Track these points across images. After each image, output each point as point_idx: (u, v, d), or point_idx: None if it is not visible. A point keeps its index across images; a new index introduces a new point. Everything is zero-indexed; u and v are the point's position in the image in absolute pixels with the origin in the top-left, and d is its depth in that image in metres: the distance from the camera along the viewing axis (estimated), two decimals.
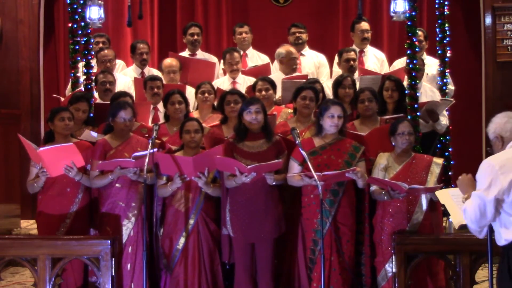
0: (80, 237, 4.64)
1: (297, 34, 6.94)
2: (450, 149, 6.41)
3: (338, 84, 5.74)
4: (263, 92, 5.57)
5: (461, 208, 3.33)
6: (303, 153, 4.31)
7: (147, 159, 4.37)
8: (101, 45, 6.79)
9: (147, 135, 5.01)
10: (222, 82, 6.51)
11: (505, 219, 3.17)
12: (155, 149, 4.50)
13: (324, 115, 4.60)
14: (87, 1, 5.90)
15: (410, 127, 4.59)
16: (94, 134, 5.17)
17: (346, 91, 5.68)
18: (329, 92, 6.04)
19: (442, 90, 6.45)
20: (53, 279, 4.42)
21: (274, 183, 4.51)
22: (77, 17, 5.83)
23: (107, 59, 6.48)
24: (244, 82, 6.46)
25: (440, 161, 4.67)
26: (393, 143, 4.63)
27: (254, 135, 4.67)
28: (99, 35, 6.99)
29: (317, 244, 4.49)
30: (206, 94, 5.70)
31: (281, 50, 6.54)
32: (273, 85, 5.68)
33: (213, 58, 7.12)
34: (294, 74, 6.39)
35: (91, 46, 5.98)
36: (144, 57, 6.74)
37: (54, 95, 6.87)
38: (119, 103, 5.02)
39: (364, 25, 6.85)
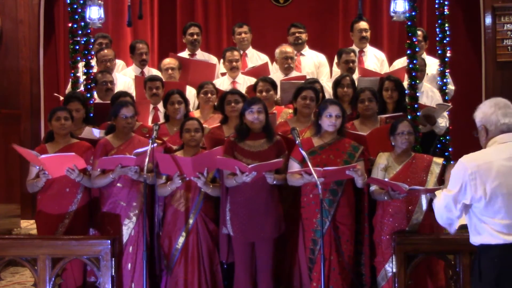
0: (80, 237, 4.64)
1: (297, 34, 6.94)
2: (450, 149, 6.41)
3: (337, 83, 5.75)
4: (264, 93, 5.57)
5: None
6: (303, 153, 4.31)
7: (147, 158, 4.38)
8: (104, 46, 6.79)
9: (147, 135, 5.01)
10: (222, 82, 6.51)
11: (475, 222, 3.13)
12: (155, 144, 4.49)
13: (322, 115, 4.61)
14: (87, 1, 5.90)
15: (409, 127, 4.59)
16: (95, 132, 5.17)
17: (344, 90, 5.68)
18: (329, 91, 6.04)
19: (442, 90, 6.45)
20: (53, 279, 4.42)
21: (274, 182, 4.51)
22: (77, 17, 5.82)
23: (107, 59, 6.48)
24: (244, 82, 6.46)
25: (440, 160, 4.67)
26: (392, 143, 4.63)
27: (255, 134, 4.68)
28: (103, 36, 6.99)
29: (317, 243, 4.49)
30: (209, 95, 5.70)
31: (277, 49, 6.57)
32: (274, 85, 5.68)
33: (212, 58, 7.12)
34: (292, 75, 6.40)
35: (91, 46, 5.98)
36: (144, 57, 6.74)
37: (55, 94, 6.87)
38: (120, 101, 5.04)
39: (363, 24, 6.85)
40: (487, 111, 3.21)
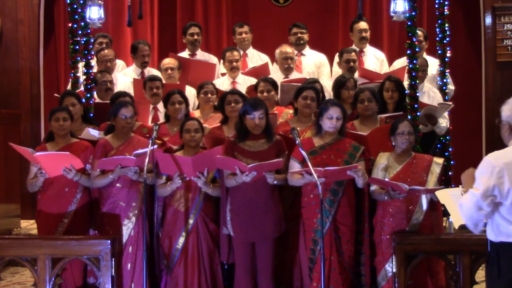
0: (80, 237, 4.64)
1: (299, 35, 6.92)
2: (450, 149, 6.41)
3: (341, 85, 5.70)
4: (265, 94, 5.56)
5: (458, 203, 3.28)
6: (303, 153, 4.31)
7: (147, 159, 4.38)
8: (104, 45, 6.79)
9: (147, 135, 5.01)
10: (222, 82, 6.51)
11: (499, 221, 3.13)
12: (155, 146, 4.49)
13: (323, 116, 4.61)
14: (87, 1, 5.90)
15: (410, 127, 4.59)
16: (94, 132, 5.17)
17: (349, 92, 5.64)
18: (329, 91, 6.03)
19: (442, 90, 6.45)
20: (53, 279, 4.42)
21: (274, 182, 4.51)
22: (77, 17, 5.83)
23: (108, 59, 6.48)
24: (244, 82, 6.46)
25: (440, 160, 4.67)
26: (393, 143, 4.63)
27: (255, 135, 4.67)
28: (103, 35, 6.99)
29: (317, 243, 4.49)
30: (209, 95, 5.70)
31: (277, 50, 6.56)
32: (275, 85, 5.67)
33: (213, 58, 7.12)
34: (293, 75, 6.38)
35: (91, 46, 5.98)
36: (146, 59, 6.74)
37: (55, 95, 6.87)
38: (120, 101, 5.04)
39: (362, 24, 6.84)
40: None
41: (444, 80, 6.49)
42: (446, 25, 6.54)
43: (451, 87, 6.67)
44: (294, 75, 6.46)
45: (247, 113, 4.63)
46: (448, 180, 6.16)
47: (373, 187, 4.60)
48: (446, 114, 6.15)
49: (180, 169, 4.54)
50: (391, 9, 5.85)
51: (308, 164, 4.26)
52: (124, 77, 6.67)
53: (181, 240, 4.71)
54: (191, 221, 4.72)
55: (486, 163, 3.12)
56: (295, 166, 4.58)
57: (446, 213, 4.61)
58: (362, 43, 6.86)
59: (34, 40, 7.76)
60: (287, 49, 6.52)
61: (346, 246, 4.55)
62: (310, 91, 5.10)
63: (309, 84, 5.40)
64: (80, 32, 5.84)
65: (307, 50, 7.04)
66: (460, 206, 3.25)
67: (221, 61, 6.74)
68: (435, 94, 6.30)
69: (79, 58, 5.90)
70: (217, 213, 4.79)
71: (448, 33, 6.53)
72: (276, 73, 6.53)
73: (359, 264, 4.70)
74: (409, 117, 5.28)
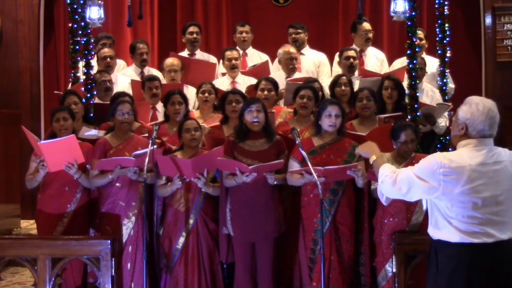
0: (80, 237, 4.64)
1: (293, 36, 6.91)
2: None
3: (334, 83, 5.74)
4: (265, 92, 5.57)
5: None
6: (303, 153, 4.31)
7: (147, 159, 4.37)
8: (107, 46, 6.79)
9: (146, 134, 5.01)
10: (221, 82, 6.51)
11: (438, 218, 3.18)
12: (155, 146, 4.48)
13: (322, 115, 4.61)
14: (87, 1, 5.90)
15: (413, 135, 4.55)
16: (93, 132, 5.16)
17: (342, 89, 5.68)
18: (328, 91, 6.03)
19: (442, 90, 6.45)
20: (53, 279, 4.42)
21: (275, 182, 4.51)
22: (77, 17, 5.83)
23: (107, 55, 6.48)
24: (244, 82, 6.45)
25: None
26: (394, 146, 4.61)
27: (255, 134, 4.68)
28: (106, 36, 6.98)
29: (317, 243, 4.50)
30: (207, 94, 5.69)
31: (280, 50, 6.55)
32: (275, 86, 5.68)
33: (212, 58, 7.11)
34: (298, 76, 6.38)
35: (91, 46, 5.98)
36: (144, 57, 6.73)
37: (55, 92, 6.86)
38: (117, 101, 5.04)
39: (367, 25, 6.86)
40: (477, 116, 3.13)
41: (444, 80, 6.49)
42: (446, 25, 6.54)
43: (451, 85, 6.67)
44: (296, 74, 6.46)
45: (245, 109, 4.64)
46: None
47: (374, 187, 4.59)
48: (445, 113, 6.15)
49: (180, 170, 4.54)
50: (391, 9, 5.85)
51: (308, 164, 4.26)
52: (124, 77, 6.66)
53: (181, 240, 4.72)
54: (191, 221, 4.72)
55: (433, 161, 3.12)
56: (294, 166, 4.58)
57: None
58: (367, 44, 6.86)
59: (34, 40, 7.76)
60: (291, 49, 6.51)
61: (346, 246, 4.56)
62: (308, 90, 5.11)
63: (307, 83, 5.41)
64: (80, 32, 5.84)
65: (307, 49, 7.04)
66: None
67: (221, 60, 6.74)
68: (434, 93, 6.30)
69: (79, 58, 5.90)
70: (216, 213, 4.79)
71: (448, 33, 6.54)
72: (277, 73, 6.53)
73: (358, 264, 4.71)
74: (408, 117, 5.28)
